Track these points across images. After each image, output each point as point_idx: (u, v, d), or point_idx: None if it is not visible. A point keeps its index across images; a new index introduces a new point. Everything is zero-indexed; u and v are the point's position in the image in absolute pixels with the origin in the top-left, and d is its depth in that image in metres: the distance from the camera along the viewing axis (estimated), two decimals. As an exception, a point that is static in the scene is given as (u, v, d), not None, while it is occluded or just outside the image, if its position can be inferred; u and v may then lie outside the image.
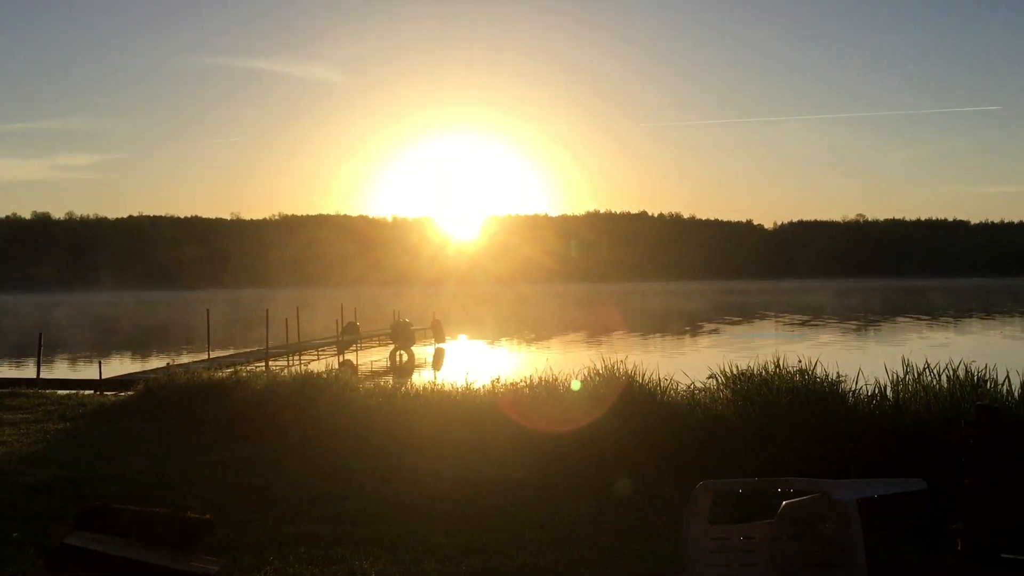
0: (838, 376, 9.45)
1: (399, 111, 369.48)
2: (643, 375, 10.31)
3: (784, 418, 8.61)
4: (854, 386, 9.31)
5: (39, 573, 3.62)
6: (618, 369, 10.42)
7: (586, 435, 9.20)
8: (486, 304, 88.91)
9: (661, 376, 10.31)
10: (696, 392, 9.96)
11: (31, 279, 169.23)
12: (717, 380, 10.04)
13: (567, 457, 8.94)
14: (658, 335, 45.42)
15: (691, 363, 14.39)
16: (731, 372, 9.92)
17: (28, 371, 24.41)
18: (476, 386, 11.46)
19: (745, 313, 66.62)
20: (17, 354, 34.81)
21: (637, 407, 9.53)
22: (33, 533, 6.18)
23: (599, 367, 10.63)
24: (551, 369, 11.11)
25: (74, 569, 3.54)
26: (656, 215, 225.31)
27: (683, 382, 10.34)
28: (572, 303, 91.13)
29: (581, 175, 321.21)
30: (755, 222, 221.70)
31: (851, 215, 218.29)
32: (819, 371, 9.54)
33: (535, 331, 48.92)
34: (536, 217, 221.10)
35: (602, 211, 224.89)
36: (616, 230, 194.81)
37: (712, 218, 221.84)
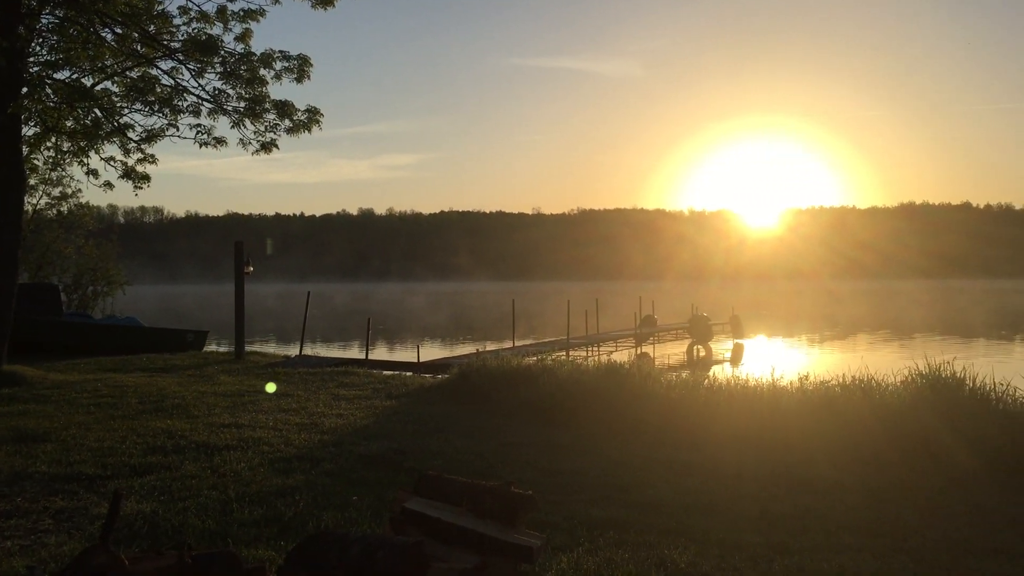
0: None
1: (700, 103, 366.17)
2: (973, 379, 9.42)
3: None
4: None
5: (384, 532, 3.96)
6: (944, 371, 9.59)
7: (906, 439, 8.57)
8: (787, 300, 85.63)
9: (995, 381, 9.37)
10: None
11: (345, 268, 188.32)
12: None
13: (883, 461, 8.38)
14: (982, 338, 41.28)
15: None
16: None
17: (355, 352, 27.01)
18: (783, 383, 11.05)
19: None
20: (349, 337, 38.58)
21: (967, 411, 8.73)
22: (370, 497, 6.80)
23: (921, 368, 9.85)
24: (866, 368, 10.46)
25: (413, 531, 3.82)
26: (982, 206, 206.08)
27: (1021, 387, 9.36)
28: (882, 300, 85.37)
29: (891, 166, 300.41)
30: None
31: None
32: None
33: (842, 329, 46.33)
34: (843, 210, 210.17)
35: (918, 202, 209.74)
36: (934, 222, 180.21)
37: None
